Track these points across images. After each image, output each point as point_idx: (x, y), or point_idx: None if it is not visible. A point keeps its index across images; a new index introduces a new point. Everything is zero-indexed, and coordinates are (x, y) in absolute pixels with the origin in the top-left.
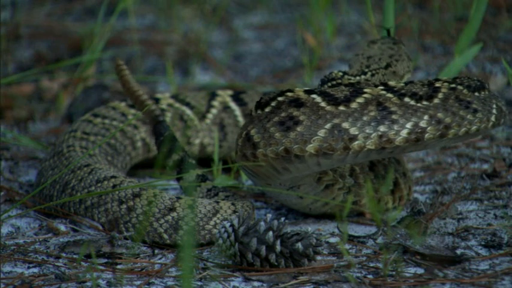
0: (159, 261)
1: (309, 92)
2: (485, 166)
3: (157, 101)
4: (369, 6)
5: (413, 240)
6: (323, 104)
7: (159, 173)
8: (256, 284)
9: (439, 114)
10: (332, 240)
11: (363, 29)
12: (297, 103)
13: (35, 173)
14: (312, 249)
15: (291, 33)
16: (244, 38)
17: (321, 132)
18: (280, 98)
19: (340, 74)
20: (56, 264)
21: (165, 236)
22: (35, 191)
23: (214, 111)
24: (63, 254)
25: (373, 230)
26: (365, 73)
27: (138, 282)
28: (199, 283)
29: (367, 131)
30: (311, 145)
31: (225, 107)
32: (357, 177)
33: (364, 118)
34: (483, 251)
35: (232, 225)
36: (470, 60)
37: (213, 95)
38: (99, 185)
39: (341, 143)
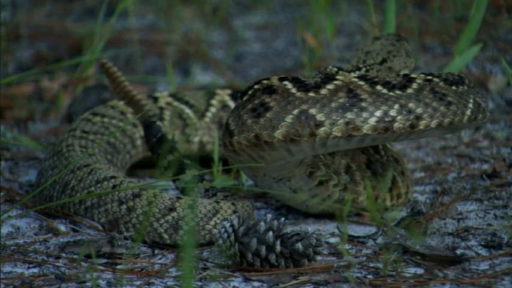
0: (159, 261)
1: (282, 79)
2: (485, 166)
3: (155, 99)
4: (370, 7)
5: (413, 240)
6: (293, 91)
7: (159, 174)
8: (256, 284)
9: (411, 104)
10: (332, 240)
11: (363, 29)
12: (270, 90)
13: (35, 173)
14: (312, 250)
15: (291, 33)
16: (244, 38)
17: (288, 118)
18: (256, 86)
19: (335, 69)
20: (56, 264)
21: (165, 236)
22: (35, 192)
23: (213, 109)
24: (63, 254)
25: (373, 230)
26: (359, 68)
27: (138, 283)
28: (199, 283)
29: (334, 117)
30: (279, 131)
31: (224, 106)
32: (353, 175)
33: (333, 104)
34: (483, 251)
35: (232, 226)
36: (470, 60)
37: (212, 94)
38: (98, 185)
39: (307, 129)
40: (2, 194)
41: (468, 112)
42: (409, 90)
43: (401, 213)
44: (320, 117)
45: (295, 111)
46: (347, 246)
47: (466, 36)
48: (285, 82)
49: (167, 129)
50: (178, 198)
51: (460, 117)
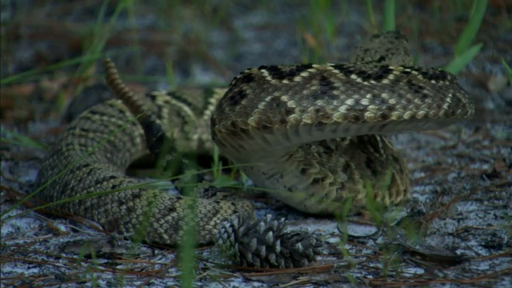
0: (159, 261)
1: (260, 68)
2: (485, 166)
3: (153, 98)
4: (369, 7)
5: (413, 240)
6: (269, 78)
7: (159, 173)
8: (256, 284)
9: (384, 95)
10: (332, 240)
11: (362, 30)
12: (248, 78)
13: (35, 173)
14: (312, 250)
15: (291, 34)
16: (244, 38)
17: (261, 105)
18: (239, 76)
19: None
20: (56, 264)
21: (165, 236)
22: (35, 192)
23: (211, 108)
24: (63, 254)
25: (373, 230)
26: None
27: (138, 283)
28: (199, 283)
29: (305, 104)
30: (252, 117)
31: None
32: (352, 173)
33: (304, 92)
34: (483, 251)
35: (232, 226)
36: (470, 60)
37: (210, 93)
38: (98, 185)
39: (278, 116)
40: (2, 194)
41: (445, 106)
42: (385, 81)
43: (401, 213)
44: (291, 104)
45: (268, 98)
46: (347, 247)
47: (466, 36)
48: (262, 70)
49: (166, 127)
50: (178, 198)
51: (435, 110)
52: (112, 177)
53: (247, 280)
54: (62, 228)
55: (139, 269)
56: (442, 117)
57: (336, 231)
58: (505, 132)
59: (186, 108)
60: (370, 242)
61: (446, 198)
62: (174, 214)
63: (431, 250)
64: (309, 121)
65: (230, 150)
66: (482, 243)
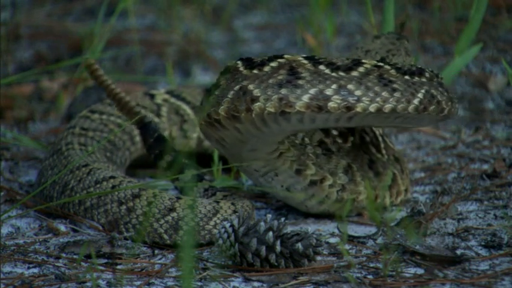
0: (159, 261)
1: (238, 60)
2: (485, 166)
3: (152, 97)
4: (369, 7)
5: (413, 240)
6: (241, 69)
7: (159, 174)
8: (256, 284)
9: (350, 86)
10: (332, 240)
11: (362, 30)
12: (226, 70)
13: (35, 173)
14: (312, 250)
15: (291, 34)
16: (244, 38)
17: (230, 94)
18: (222, 70)
19: None
20: (56, 264)
21: (165, 236)
22: (35, 192)
23: None
24: (63, 254)
25: (373, 230)
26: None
27: (138, 283)
28: (199, 283)
29: (269, 93)
30: (222, 107)
31: None
32: (353, 175)
33: (270, 81)
34: (483, 252)
35: (232, 226)
36: (470, 60)
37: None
38: (98, 185)
39: (244, 104)
40: (2, 194)
41: (415, 101)
42: (354, 73)
43: (401, 213)
44: (256, 92)
45: (236, 87)
46: (347, 247)
47: (466, 36)
48: (238, 62)
49: (165, 126)
50: (178, 198)
51: (404, 105)
52: (112, 177)
53: (247, 280)
54: (62, 228)
55: (139, 269)
56: (412, 112)
57: (336, 231)
58: (505, 132)
59: (185, 107)
60: (370, 242)
61: (446, 198)
62: (174, 214)
63: (431, 250)
64: (272, 109)
65: (215, 144)
66: (482, 243)
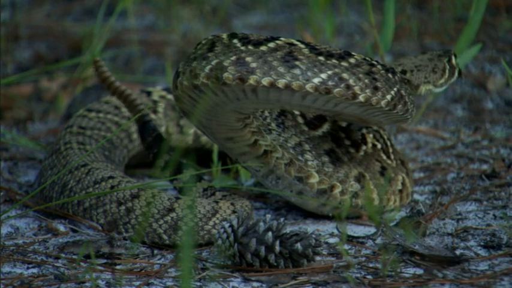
0: (158, 261)
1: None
2: (485, 167)
3: (148, 94)
4: (369, 7)
5: (412, 240)
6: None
7: (157, 173)
8: (255, 284)
9: (249, 59)
10: (331, 240)
11: (362, 30)
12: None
13: (34, 173)
14: (311, 250)
15: (291, 34)
16: None
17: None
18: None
19: None
20: (55, 264)
21: (165, 236)
22: (34, 192)
23: None
24: (63, 255)
25: (372, 230)
26: None
27: (138, 283)
28: (198, 283)
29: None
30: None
31: None
32: (367, 183)
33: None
34: (482, 252)
35: (231, 226)
36: (470, 60)
37: None
38: (97, 186)
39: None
40: (1, 194)
41: (315, 80)
42: (262, 48)
43: (401, 214)
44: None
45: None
46: (346, 247)
47: (466, 36)
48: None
49: (161, 122)
50: (177, 198)
51: (297, 82)
52: (110, 177)
53: (246, 280)
54: (61, 228)
55: (138, 269)
56: (311, 90)
57: (335, 231)
58: (504, 133)
59: None
60: (370, 242)
61: (446, 198)
62: (173, 214)
63: (431, 250)
64: (185, 83)
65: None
66: (482, 243)
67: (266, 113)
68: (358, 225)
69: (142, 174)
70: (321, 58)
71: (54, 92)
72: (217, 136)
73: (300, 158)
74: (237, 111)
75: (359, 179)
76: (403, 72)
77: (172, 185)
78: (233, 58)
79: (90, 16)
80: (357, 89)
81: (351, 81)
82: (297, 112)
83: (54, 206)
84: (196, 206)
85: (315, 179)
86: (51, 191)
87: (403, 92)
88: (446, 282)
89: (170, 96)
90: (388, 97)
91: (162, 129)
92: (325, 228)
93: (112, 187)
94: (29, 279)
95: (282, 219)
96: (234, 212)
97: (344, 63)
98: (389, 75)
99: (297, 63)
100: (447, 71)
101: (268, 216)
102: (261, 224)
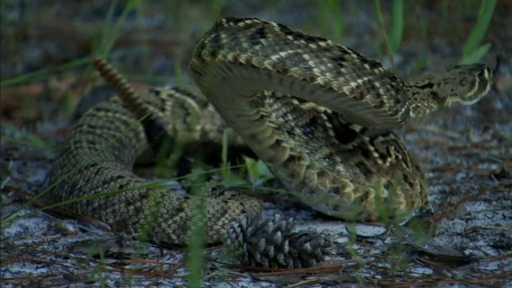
0: (167, 261)
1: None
2: (494, 166)
3: (157, 93)
4: (378, 7)
5: (421, 240)
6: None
7: (165, 173)
8: (264, 284)
9: (222, 35)
10: (340, 240)
11: (371, 30)
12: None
13: (43, 173)
14: (321, 250)
15: None
16: None
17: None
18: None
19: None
20: (65, 264)
21: (174, 236)
22: (43, 192)
23: None
24: (72, 254)
25: (382, 230)
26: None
27: (147, 283)
28: (207, 283)
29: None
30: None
31: None
32: (393, 189)
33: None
34: (491, 252)
35: (240, 226)
36: (479, 60)
37: None
38: (106, 185)
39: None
40: (10, 194)
41: (353, 84)
42: (240, 24)
43: (410, 214)
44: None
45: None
46: (355, 247)
47: (475, 36)
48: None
49: (168, 119)
50: (186, 198)
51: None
52: (119, 177)
53: (255, 280)
54: (71, 228)
55: (147, 269)
56: (268, 68)
57: (345, 231)
58: None
59: (190, 100)
60: (379, 242)
61: (455, 198)
62: (182, 214)
63: (440, 250)
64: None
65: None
66: (491, 243)
67: (289, 117)
68: (368, 225)
69: (151, 174)
70: (289, 37)
71: (64, 92)
72: (243, 132)
73: (331, 168)
74: (237, 92)
75: (388, 186)
76: (430, 85)
77: (181, 184)
78: (213, 35)
79: (100, 16)
80: (316, 70)
81: (311, 63)
82: (328, 124)
83: (63, 205)
84: (205, 205)
85: (350, 187)
86: (61, 191)
87: (377, 84)
88: (455, 282)
89: (178, 95)
90: (353, 84)
91: (169, 127)
92: (335, 228)
93: (121, 187)
94: (38, 279)
95: (291, 219)
96: (243, 211)
97: (312, 45)
98: (366, 65)
99: (262, 40)
100: (477, 84)
101: (278, 216)
102: (270, 223)
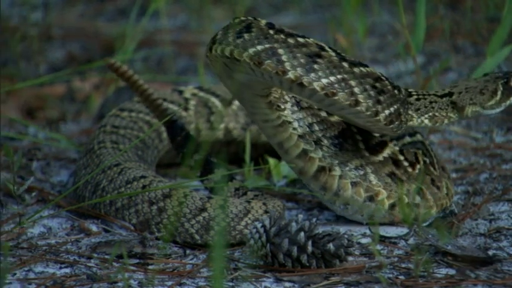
0: (190, 261)
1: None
2: None
3: (180, 93)
4: (401, 7)
5: (445, 241)
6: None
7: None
8: (287, 284)
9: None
10: (363, 241)
11: (394, 30)
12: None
13: (66, 173)
14: (344, 250)
15: (323, 34)
16: None
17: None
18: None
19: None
20: (88, 264)
21: (197, 236)
22: (67, 192)
23: None
24: (95, 255)
25: (405, 230)
26: (411, 95)
27: (170, 283)
28: (230, 283)
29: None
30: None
31: None
32: (424, 195)
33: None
34: None
35: (263, 226)
36: (502, 61)
37: None
38: (129, 185)
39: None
40: (34, 194)
41: (323, 81)
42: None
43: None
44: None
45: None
46: (378, 247)
47: (498, 37)
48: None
49: (191, 119)
50: (209, 198)
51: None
52: (142, 176)
53: (278, 280)
54: (94, 228)
55: (170, 269)
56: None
57: (367, 231)
58: None
59: (213, 99)
60: (402, 243)
61: (478, 198)
62: (205, 214)
63: (463, 251)
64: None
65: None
66: None
67: (315, 127)
68: (391, 226)
69: (174, 174)
70: (270, 32)
71: (87, 92)
72: (272, 141)
73: (364, 178)
74: (253, 92)
75: (418, 192)
76: (450, 94)
77: (204, 185)
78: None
79: (123, 16)
80: (287, 65)
81: (284, 57)
82: (358, 137)
83: (87, 206)
84: (228, 205)
85: (383, 195)
86: (85, 191)
87: (352, 82)
88: (478, 282)
89: (202, 94)
90: (324, 81)
91: (192, 126)
92: (358, 229)
93: (144, 187)
94: (62, 279)
95: (314, 220)
96: (266, 212)
97: (290, 40)
98: (344, 63)
99: (245, 34)
100: (499, 93)
101: (301, 216)
102: (294, 224)
